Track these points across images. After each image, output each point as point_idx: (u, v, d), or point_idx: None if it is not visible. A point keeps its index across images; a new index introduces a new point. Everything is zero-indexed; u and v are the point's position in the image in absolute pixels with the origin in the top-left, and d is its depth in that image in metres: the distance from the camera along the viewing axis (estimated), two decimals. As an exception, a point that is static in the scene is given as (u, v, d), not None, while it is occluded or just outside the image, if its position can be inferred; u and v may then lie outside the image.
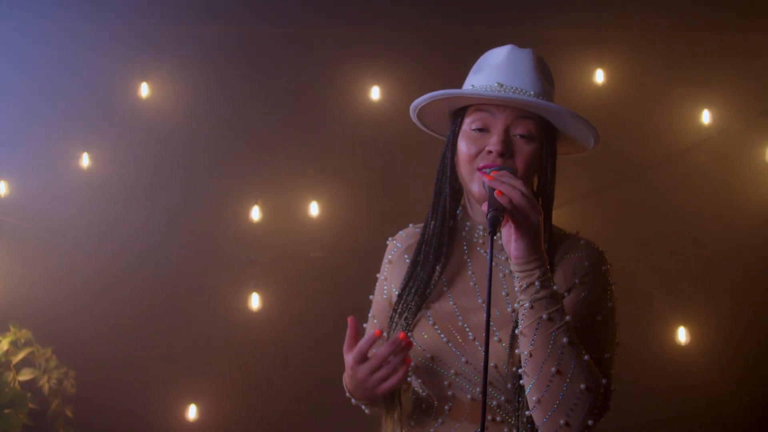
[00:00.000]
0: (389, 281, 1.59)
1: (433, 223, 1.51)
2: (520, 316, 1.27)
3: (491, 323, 1.39)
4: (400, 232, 1.65)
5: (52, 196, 3.48)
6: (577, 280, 1.40)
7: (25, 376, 3.08)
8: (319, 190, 3.56)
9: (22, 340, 3.12)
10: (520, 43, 1.48)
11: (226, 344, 3.45)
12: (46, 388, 3.10)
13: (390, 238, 1.65)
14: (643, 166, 3.52)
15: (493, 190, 1.24)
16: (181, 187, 3.56)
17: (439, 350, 1.42)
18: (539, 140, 1.41)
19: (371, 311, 1.65)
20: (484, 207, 1.25)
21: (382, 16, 3.51)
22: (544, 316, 1.24)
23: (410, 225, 1.64)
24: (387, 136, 3.43)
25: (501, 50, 1.46)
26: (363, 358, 1.33)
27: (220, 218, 3.54)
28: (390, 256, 1.61)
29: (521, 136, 1.39)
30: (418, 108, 1.50)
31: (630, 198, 3.51)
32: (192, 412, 3.46)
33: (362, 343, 1.33)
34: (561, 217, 3.68)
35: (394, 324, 1.48)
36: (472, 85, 1.44)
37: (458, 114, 1.48)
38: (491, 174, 1.29)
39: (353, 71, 3.53)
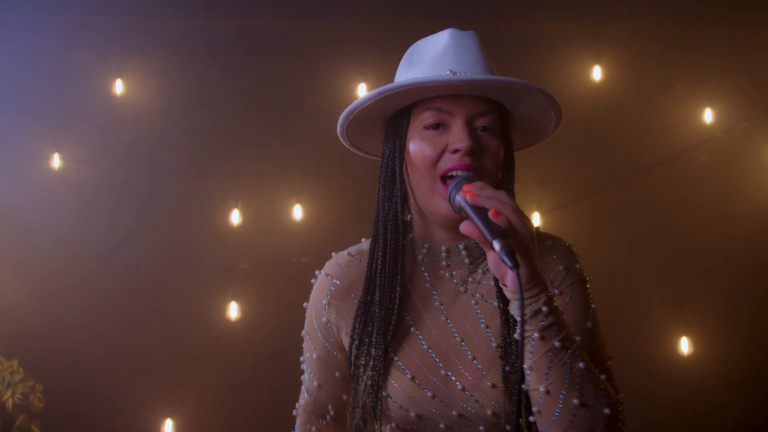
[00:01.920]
0: (336, 324, 1.32)
1: (379, 246, 1.27)
2: (527, 349, 1.08)
3: (479, 367, 1.20)
4: (333, 263, 1.37)
5: (20, 199, 3.30)
6: (556, 290, 1.22)
7: (-13, 391, 2.90)
8: (302, 192, 3.42)
9: (-15, 353, 2.96)
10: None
11: (203, 356, 3.29)
12: (9, 403, 2.94)
13: (318, 271, 1.38)
14: (642, 166, 3.39)
15: (482, 210, 1.04)
16: (157, 188, 3.39)
17: (424, 408, 1.21)
18: (501, 135, 1.23)
19: (314, 354, 1.38)
20: (464, 229, 1.05)
21: (369, 9, 3.36)
22: (557, 344, 1.06)
23: (343, 252, 1.38)
24: (374, 134, 3.28)
25: (440, 37, 1.27)
26: None
27: (198, 222, 3.38)
28: (328, 297, 1.33)
29: (483, 129, 1.21)
30: (351, 117, 1.26)
31: (627, 200, 3.38)
32: (168, 427, 3.29)
33: None
34: (554, 221, 3.59)
35: (359, 379, 1.24)
36: (415, 78, 1.21)
37: (400, 116, 1.26)
38: (465, 188, 1.08)
39: (339, 67, 3.38)
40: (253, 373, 3.26)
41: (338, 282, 1.34)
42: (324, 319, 1.35)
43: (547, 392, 1.07)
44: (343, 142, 1.35)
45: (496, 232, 1.01)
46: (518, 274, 0.98)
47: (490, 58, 1.25)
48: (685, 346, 3.28)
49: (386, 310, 1.25)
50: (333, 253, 1.40)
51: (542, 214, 3.35)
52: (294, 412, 1.46)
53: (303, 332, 1.41)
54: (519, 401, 1.04)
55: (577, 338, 1.10)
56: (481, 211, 1.04)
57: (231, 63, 3.41)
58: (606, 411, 1.07)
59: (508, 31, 3.34)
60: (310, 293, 1.41)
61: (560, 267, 1.24)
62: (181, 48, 3.37)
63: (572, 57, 3.43)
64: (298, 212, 3.39)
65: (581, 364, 1.07)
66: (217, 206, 3.38)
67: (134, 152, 3.37)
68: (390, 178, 1.28)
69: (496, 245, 0.99)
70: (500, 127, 1.24)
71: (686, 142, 3.41)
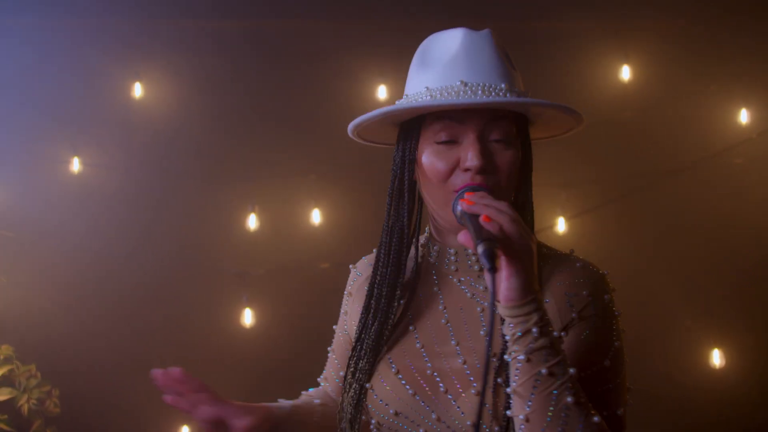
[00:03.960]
0: (350, 315, 1.37)
1: (387, 249, 1.25)
2: (513, 371, 1.01)
3: (468, 372, 1.14)
4: (363, 259, 1.43)
5: (40, 204, 3.30)
6: (575, 315, 1.12)
7: (3, 395, 2.91)
8: (321, 196, 3.35)
9: (2, 357, 2.96)
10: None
11: (218, 362, 3.25)
12: (25, 408, 2.94)
13: (351, 265, 1.43)
14: (672, 170, 3.28)
15: (475, 217, 0.99)
16: (174, 192, 3.36)
17: (404, 405, 1.16)
18: (517, 141, 1.17)
19: (332, 343, 1.46)
20: (462, 238, 1.00)
21: (389, 9, 3.29)
22: (543, 371, 0.98)
23: (374, 250, 1.38)
24: (395, 137, 3.21)
25: (452, 36, 1.18)
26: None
27: (215, 227, 3.34)
28: (350, 287, 1.41)
29: (497, 141, 1.14)
30: (359, 128, 1.25)
31: (656, 205, 3.27)
32: (184, 434, 3.26)
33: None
34: (579, 226, 3.47)
35: (350, 370, 1.24)
36: (427, 87, 1.16)
37: (412, 124, 1.20)
38: (465, 196, 1.05)
39: (358, 68, 3.31)
40: (268, 380, 3.20)
41: (360, 274, 1.40)
42: (342, 311, 1.43)
43: (527, 420, 0.99)
44: (353, 137, 1.33)
45: (483, 236, 0.96)
46: (493, 278, 0.94)
47: (505, 60, 1.17)
48: (716, 358, 3.15)
49: (381, 322, 1.23)
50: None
51: (567, 219, 3.24)
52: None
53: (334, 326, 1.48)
54: (479, 417, 0.99)
55: (572, 370, 1.00)
56: (474, 218, 1.00)
57: (248, 66, 3.36)
58: None
59: (532, 31, 3.25)
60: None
61: (585, 292, 1.14)
62: (199, 51, 3.34)
63: (600, 56, 3.32)
64: (316, 217, 3.33)
65: (570, 399, 0.97)
66: (233, 210, 3.34)
67: (152, 156, 3.35)
68: (399, 187, 1.24)
69: (480, 248, 0.94)
70: (515, 133, 1.16)
71: (720, 144, 3.28)
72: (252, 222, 3.30)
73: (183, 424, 3.27)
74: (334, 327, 1.45)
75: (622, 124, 3.23)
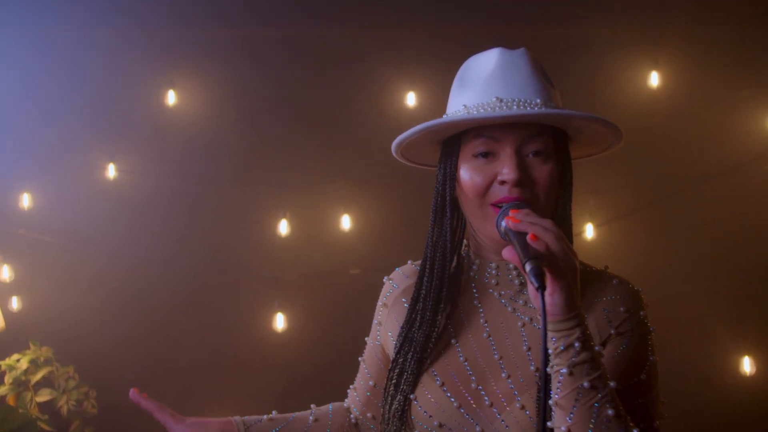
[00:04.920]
0: (384, 327, 1.38)
1: (431, 264, 1.28)
2: (555, 384, 1.03)
3: (512, 386, 1.17)
4: (397, 270, 1.43)
5: (77, 209, 3.39)
6: (612, 331, 1.16)
7: (44, 396, 2.98)
8: (350, 202, 3.39)
9: (42, 359, 3.04)
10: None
11: (251, 365, 3.31)
12: (64, 409, 3.00)
13: (386, 277, 1.44)
14: (701, 177, 3.25)
15: (522, 235, 1.02)
16: (207, 198, 3.43)
17: (448, 417, 1.19)
18: (555, 156, 1.19)
19: (363, 354, 1.46)
20: (508, 254, 1.03)
21: (417, 17, 3.32)
22: (585, 384, 1.01)
23: (408, 262, 1.42)
24: (424, 143, 3.23)
25: (488, 56, 1.23)
26: None
27: (247, 232, 3.39)
28: (385, 299, 1.40)
29: (535, 154, 1.17)
30: (402, 146, 1.28)
31: (686, 211, 3.25)
32: (217, 435, 3.31)
33: None
34: (608, 233, 3.47)
35: (392, 382, 1.26)
36: (464, 105, 1.20)
37: (452, 142, 1.25)
38: (510, 214, 1.07)
39: (387, 75, 3.34)
40: (298, 383, 3.26)
41: (396, 286, 1.40)
42: (376, 321, 1.42)
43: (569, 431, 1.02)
44: (398, 159, 1.36)
45: (531, 254, 0.99)
46: (542, 296, 0.95)
47: (541, 75, 1.21)
48: (747, 365, 3.13)
49: (429, 322, 1.25)
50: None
51: (596, 226, 3.24)
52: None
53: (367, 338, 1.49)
54: (538, 413, 1.04)
55: (612, 384, 1.03)
56: (521, 236, 1.02)
57: (279, 72, 3.41)
58: None
59: (561, 37, 3.25)
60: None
61: (622, 309, 1.18)
62: (231, 58, 3.40)
63: (628, 62, 3.30)
64: (346, 222, 3.37)
65: (610, 411, 1.01)
66: (265, 216, 3.38)
67: (186, 162, 3.42)
68: (441, 204, 1.27)
69: (527, 266, 0.97)
70: (553, 148, 1.19)
71: (751, 150, 3.25)
72: (283, 228, 3.35)
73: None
74: (366, 339, 1.46)
75: (651, 131, 3.21)
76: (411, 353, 1.25)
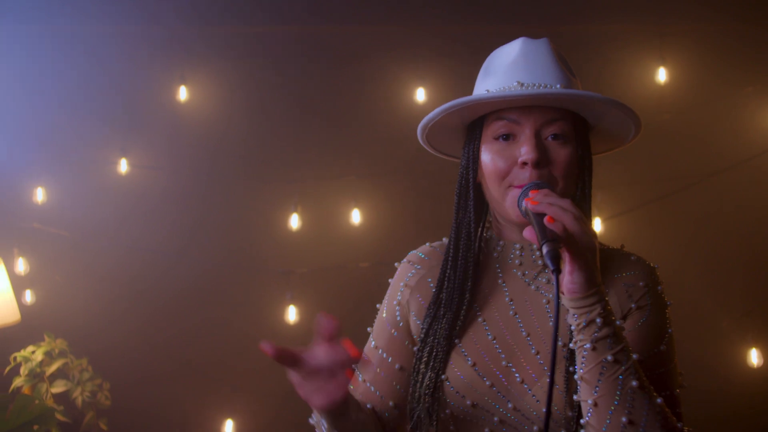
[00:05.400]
0: (407, 307, 1.37)
1: (456, 245, 1.32)
2: (579, 359, 1.08)
3: (541, 362, 1.21)
4: (416, 253, 1.43)
5: (90, 203, 3.42)
6: (633, 305, 1.20)
7: (59, 388, 3.01)
8: (361, 196, 3.42)
9: (57, 351, 3.07)
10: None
11: (263, 358, 3.32)
12: (79, 400, 3.02)
13: (402, 261, 1.44)
14: (708, 172, 3.28)
15: (540, 216, 1.05)
16: (219, 193, 3.46)
17: (480, 395, 1.22)
18: (574, 141, 1.23)
19: (372, 342, 1.41)
20: (528, 234, 1.06)
21: (426, 15, 3.36)
22: (609, 358, 1.05)
23: (426, 244, 1.45)
24: (433, 139, 3.26)
25: (512, 46, 1.28)
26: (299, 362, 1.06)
27: (259, 226, 3.42)
28: (407, 280, 1.39)
29: (554, 137, 1.21)
30: (428, 128, 1.31)
31: (693, 207, 3.28)
32: (228, 428, 3.35)
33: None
34: (615, 227, 3.50)
35: (423, 363, 1.28)
36: (487, 90, 1.25)
37: (475, 126, 1.29)
38: (530, 195, 1.10)
39: (397, 72, 3.38)
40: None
41: (419, 267, 1.39)
42: (395, 302, 1.38)
43: (596, 405, 1.05)
44: (426, 147, 1.40)
45: (548, 236, 1.01)
46: (557, 279, 0.99)
47: (563, 64, 1.25)
48: (754, 357, 3.16)
49: (453, 313, 1.28)
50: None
51: (603, 220, 3.27)
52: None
53: (369, 329, 1.44)
54: (566, 387, 1.08)
55: (635, 356, 1.07)
56: (539, 217, 1.05)
57: (290, 69, 3.44)
58: None
59: (568, 34, 3.27)
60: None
61: (641, 283, 1.22)
62: (241, 54, 3.43)
63: (636, 59, 3.34)
64: (356, 217, 3.41)
65: (634, 383, 1.04)
66: (276, 211, 3.42)
67: (197, 157, 3.45)
68: (465, 186, 1.32)
69: (544, 249, 1.00)
70: (572, 133, 1.23)
71: (757, 146, 3.28)
72: (294, 222, 3.39)
73: (227, 417, 3.37)
74: (369, 329, 1.44)
75: (659, 127, 3.24)
76: (440, 332, 1.27)
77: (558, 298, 0.98)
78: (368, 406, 1.37)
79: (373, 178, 3.41)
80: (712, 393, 2.88)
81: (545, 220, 1.03)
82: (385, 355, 1.38)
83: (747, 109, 3.30)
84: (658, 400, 1.06)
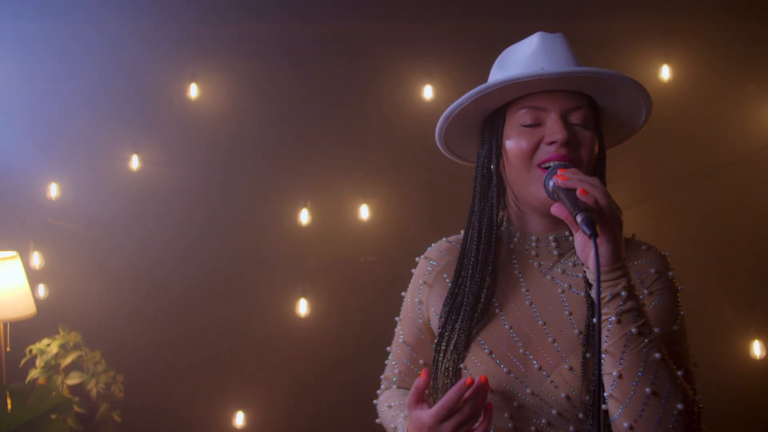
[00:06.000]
0: (426, 304, 1.44)
1: (473, 236, 1.36)
2: (604, 332, 1.11)
3: (558, 349, 1.25)
4: (433, 247, 1.49)
5: (102, 199, 3.47)
6: (645, 291, 1.26)
7: (74, 380, 3.07)
8: (369, 192, 3.47)
9: (71, 344, 3.12)
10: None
11: (274, 350, 3.38)
12: (93, 392, 3.08)
13: (421, 256, 1.50)
14: (712, 167, 3.33)
15: (571, 191, 1.09)
16: (229, 189, 3.50)
17: (499, 382, 1.26)
18: (594, 128, 1.28)
19: (401, 337, 1.51)
20: (555, 210, 1.10)
21: (434, 12, 3.40)
22: (633, 330, 1.08)
23: (443, 239, 1.49)
24: (441, 135, 3.31)
25: (530, 40, 1.33)
26: (446, 414, 1.15)
27: (269, 221, 3.47)
28: (425, 277, 1.45)
29: (576, 124, 1.26)
30: (449, 120, 1.33)
31: (696, 202, 3.32)
32: (239, 419, 3.40)
33: (450, 397, 1.15)
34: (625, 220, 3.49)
35: (441, 353, 1.33)
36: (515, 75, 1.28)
37: (496, 117, 1.33)
38: (559, 173, 1.13)
39: (405, 70, 3.42)
40: (320, 368, 3.34)
41: (435, 263, 1.45)
42: (416, 299, 1.46)
43: (620, 376, 1.09)
44: (440, 148, 1.43)
45: (582, 206, 1.05)
46: (595, 243, 1.02)
47: (579, 57, 1.31)
48: (757, 349, 3.21)
49: (474, 294, 1.32)
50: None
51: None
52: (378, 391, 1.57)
53: (397, 318, 1.53)
54: (584, 373, 1.12)
55: (656, 329, 1.11)
56: (570, 192, 1.09)
57: (299, 66, 3.47)
58: (679, 406, 1.07)
59: (574, 32, 3.26)
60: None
61: (653, 270, 1.27)
62: (251, 51, 3.47)
63: (640, 57, 3.38)
64: (364, 212, 3.46)
65: (657, 355, 1.08)
66: (286, 206, 3.47)
67: (208, 153, 3.49)
68: (486, 174, 1.35)
69: (579, 217, 1.03)
70: (593, 121, 1.28)
71: (758, 142, 3.33)
72: (304, 217, 3.44)
73: (238, 409, 3.42)
74: (396, 318, 1.52)
75: (661, 123, 3.28)
76: (459, 323, 1.31)
77: (597, 260, 1.01)
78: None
79: (381, 173, 3.46)
80: (713, 384, 2.91)
81: (578, 192, 1.07)
82: (409, 349, 1.49)
83: (750, 107, 3.34)
84: (679, 373, 1.11)
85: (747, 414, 3.13)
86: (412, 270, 1.51)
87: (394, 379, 1.53)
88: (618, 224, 1.08)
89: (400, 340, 1.50)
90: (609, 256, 1.08)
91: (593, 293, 1.14)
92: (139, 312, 3.36)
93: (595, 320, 1.07)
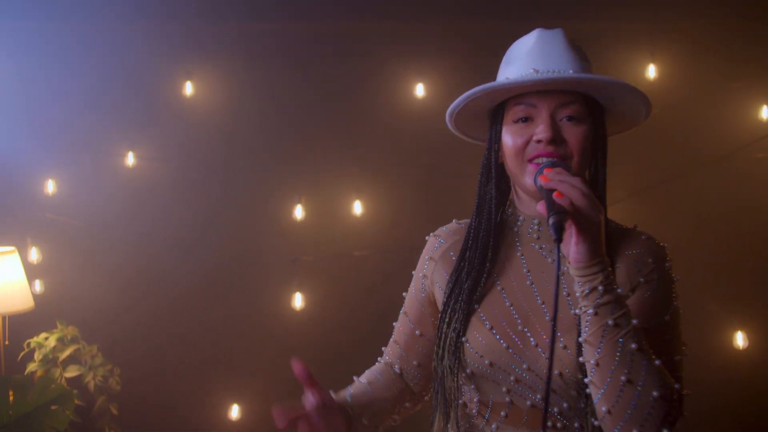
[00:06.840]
0: (431, 279, 1.52)
1: (478, 218, 1.45)
2: (583, 324, 1.18)
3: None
4: (442, 228, 1.58)
5: (98, 195, 3.50)
6: (641, 279, 1.32)
7: (72, 372, 3.10)
8: (362, 188, 3.53)
9: (69, 337, 3.15)
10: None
11: (269, 343, 3.43)
12: (91, 385, 3.12)
13: (430, 234, 1.58)
14: (698, 163, 3.40)
15: (550, 192, 1.15)
16: (224, 185, 3.55)
17: (497, 356, 1.34)
18: (588, 120, 1.33)
19: (403, 308, 1.60)
20: (540, 208, 1.16)
21: (426, 11, 3.45)
22: (610, 322, 1.15)
23: (453, 221, 1.58)
24: (432, 133, 3.31)
25: (529, 36, 1.39)
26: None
27: (264, 217, 3.52)
28: (432, 253, 1.54)
29: (569, 118, 1.32)
30: (455, 114, 1.43)
31: (682, 196, 3.40)
32: (234, 412, 3.45)
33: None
34: (611, 215, 3.57)
35: (444, 327, 1.40)
36: (506, 78, 1.35)
37: (498, 110, 1.41)
38: (544, 172, 1.20)
39: (398, 68, 3.48)
40: (315, 360, 3.38)
41: (443, 241, 1.53)
42: (421, 274, 1.54)
43: (597, 365, 1.16)
44: (452, 130, 1.51)
45: (555, 209, 1.12)
46: (558, 247, 1.09)
47: (576, 52, 1.35)
48: (740, 340, 3.30)
49: (477, 271, 1.40)
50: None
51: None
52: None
53: (404, 293, 1.62)
54: (577, 352, 1.20)
55: (635, 321, 1.17)
56: (549, 192, 1.15)
57: (294, 63, 3.52)
58: (655, 393, 1.14)
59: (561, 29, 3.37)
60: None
61: (650, 260, 1.33)
62: (245, 50, 3.51)
63: (626, 56, 3.45)
64: (358, 208, 3.52)
65: (633, 345, 1.15)
66: (281, 201, 3.52)
67: (203, 150, 3.54)
68: (487, 165, 1.44)
69: (550, 220, 1.10)
70: (586, 114, 1.33)
71: (741, 139, 3.41)
72: (299, 212, 3.49)
73: (233, 402, 3.46)
74: (404, 294, 1.60)
75: (647, 121, 3.33)
76: (461, 296, 1.39)
77: (558, 264, 1.09)
78: (395, 367, 1.57)
79: (375, 170, 3.52)
80: (697, 373, 2.99)
81: (554, 195, 1.14)
82: (409, 321, 1.56)
83: (732, 104, 3.42)
84: (657, 362, 1.17)
85: (730, 402, 3.21)
86: (410, 263, 1.58)
87: (387, 347, 1.61)
88: (595, 224, 1.14)
89: (402, 312, 1.59)
90: (586, 254, 1.16)
91: (575, 287, 1.20)
92: (135, 306, 3.40)
93: (548, 318, 1.23)
